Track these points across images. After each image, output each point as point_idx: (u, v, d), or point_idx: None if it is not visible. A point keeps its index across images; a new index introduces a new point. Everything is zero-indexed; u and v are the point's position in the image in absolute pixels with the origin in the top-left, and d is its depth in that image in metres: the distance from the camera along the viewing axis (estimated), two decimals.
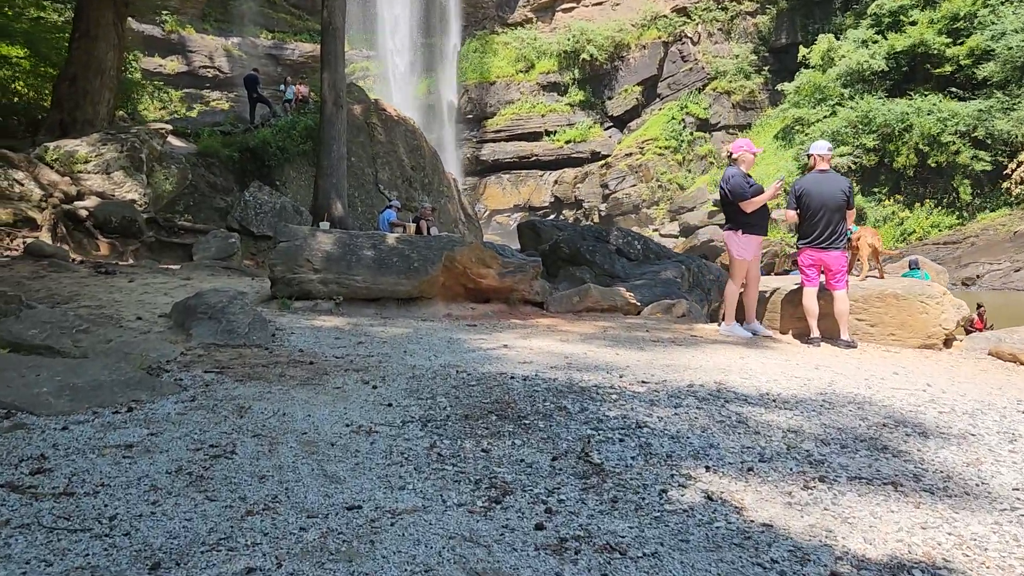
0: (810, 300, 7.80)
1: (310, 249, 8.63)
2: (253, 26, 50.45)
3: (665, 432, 4.39)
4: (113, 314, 7.49)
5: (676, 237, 43.97)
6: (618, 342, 7.44)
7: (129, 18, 45.59)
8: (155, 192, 15.83)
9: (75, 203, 12.75)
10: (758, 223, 8.23)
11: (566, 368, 6.02)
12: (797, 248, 8.19)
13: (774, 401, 5.25)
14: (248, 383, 5.20)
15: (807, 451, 4.19)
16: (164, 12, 46.68)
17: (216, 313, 6.73)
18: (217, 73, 48.08)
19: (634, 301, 10.27)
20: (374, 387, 5.17)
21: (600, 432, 4.33)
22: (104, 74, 16.79)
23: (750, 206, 8.11)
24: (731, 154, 8.58)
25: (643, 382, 5.61)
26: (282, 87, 25.65)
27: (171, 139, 20.80)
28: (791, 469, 3.88)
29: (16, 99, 19.09)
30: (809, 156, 8.33)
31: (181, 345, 6.25)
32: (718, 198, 9.18)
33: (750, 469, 3.86)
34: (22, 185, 12.26)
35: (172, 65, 47.06)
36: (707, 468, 3.85)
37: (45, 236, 11.57)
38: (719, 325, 8.55)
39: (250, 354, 6.10)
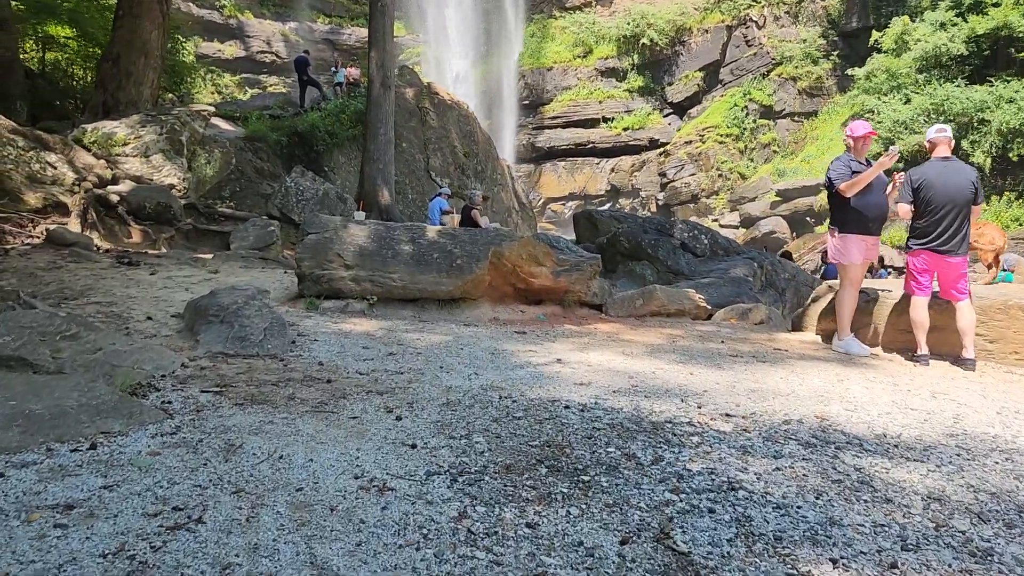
0: (920, 311, 6.60)
1: (341, 243, 7.73)
2: (310, 11, 50.08)
3: (768, 498, 3.33)
4: (122, 312, 6.69)
5: (736, 228, 42.27)
6: (691, 356, 6.36)
7: (189, 2, 45.75)
8: (196, 177, 15.18)
9: (108, 188, 12.10)
10: (858, 219, 7.01)
11: (631, 393, 4.99)
12: (908, 248, 6.95)
13: (896, 447, 4.15)
14: (249, 408, 4.29)
15: (963, 533, 3.10)
16: None
17: (229, 316, 5.86)
18: (275, 58, 47.83)
19: (704, 304, 9.15)
20: (398, 418, 4.22)
21: (683, 497, 3.29)
22: (148, 54, 16.18)
23: (850, 189, 6.88)
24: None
25: (727, 415, 4.55)
26: (334, 70, 24.92)
27: (218, 122, 20.22)
28: (950, 567, 2.80)
29: (74, 82, 18.67)
30: (929, 142, 7.04)
31: (185, 354, 5.39)
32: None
33: (893, 565, 2.79)
34: (55, 168, 11.64)
35: (230, 50, 46.94)
36: (833, 562, 2.79)
37: (74, 222, 10.93)
38: (835, 340, 7.20)
39: (260, 367, 5.20)
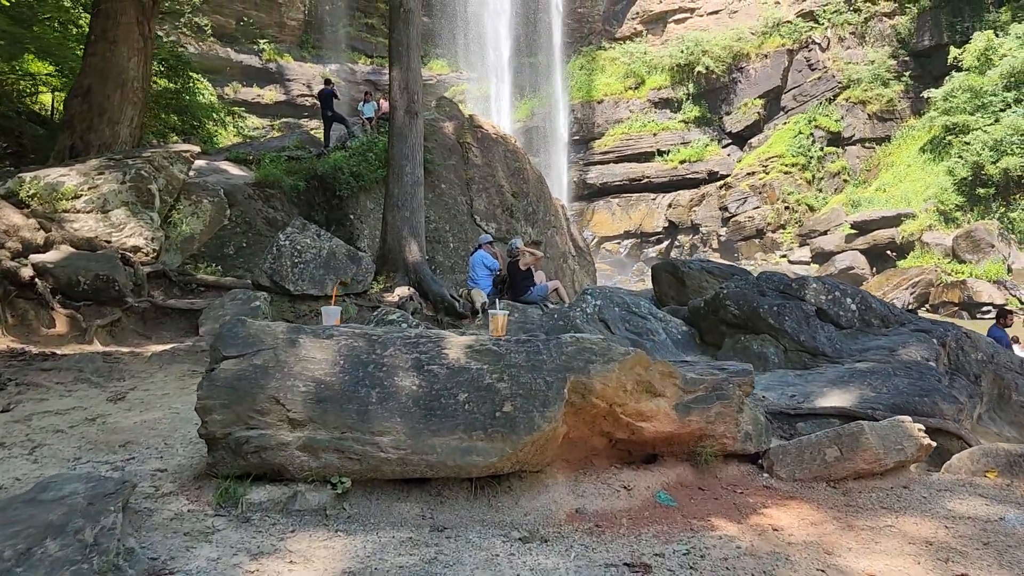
0: None
1: (284, 375, 3.91)
2: (351, 52, 47.30)
3: None
4: None
5: (808, 264, 37.74)
6: None
7: (228, 47, 43.40)
8: (178, 234, 11.70)
9: (31, 257, 8.58)
10: None
11: None
12: None
13: None
14: None
15: None
16: (262, 40, 43.99)
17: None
18: (315, 101, 44.98)
19: (927, 442, 5.08)
20: None
21: None
22: (126, 86, 12.82)
23: None
24: None
25: None
26: (362, 104, 21.48)
27: (227, 167, 16.83)
28: None
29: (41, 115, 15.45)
30: None
31: None
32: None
33: None
34: None
35: (270, 95, 44.26)
36: None
37: None
38: None
39: None
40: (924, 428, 7.43)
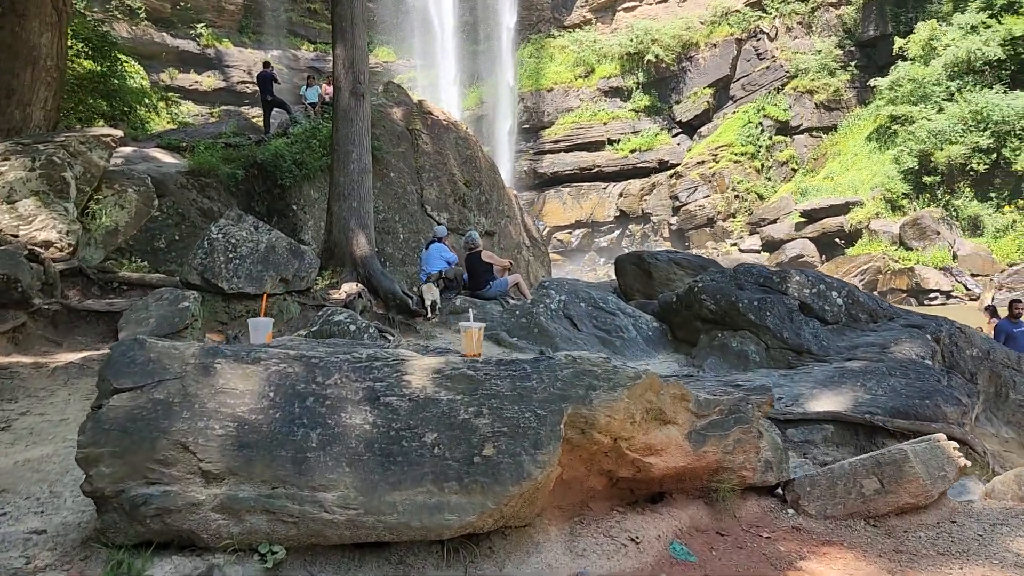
0: None
1: (194, 413, 2.95)
2: (293, 37, 45.46)
3: None
4: None
5: (758, 252, 37.58)
6: None
7: (162, 31, 41.29)
8: (96, 227, 10.47)
9: None
10: None
11: None
12: None
13: None
14: None
15: None
16: (199, 25, 41.92)
17: None
18: (257, 88, 43.15)
19: (964, 462, 4.36)
20: None
21: None
22: (37, 64, 11.47)
23: None
24: None
25: None
26: (304, 88, 20.21)
27: (157, 154, 15.52)
28: None
29: None
30: None
31: None
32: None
33: None
34: None
35: (209, 81, 42.23)
36: None
37: None
38: None
39: None
40: (928, 433, 6.79)
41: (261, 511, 2.88)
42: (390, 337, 9.04)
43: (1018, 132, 33.18)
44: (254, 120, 30.96)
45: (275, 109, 19.22)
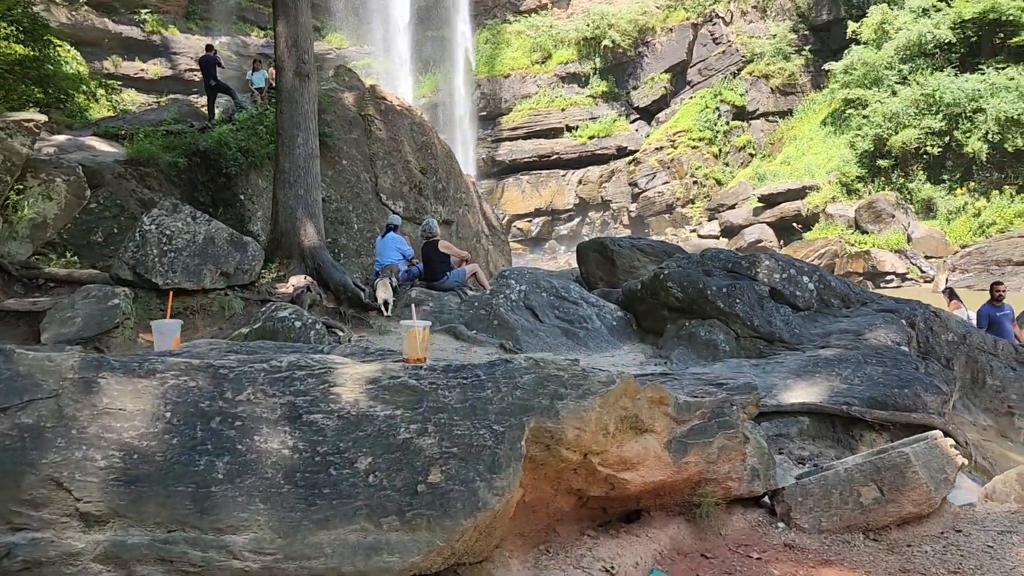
0: None
1: (72, 440, 2.40)
2: (242, 23, 44.06)
3: None
4: None
5: (718, 238, 37.51)
6: None
7: (104, 16, 39.64)
8: (19, 220, 9.69)
9: None
10: None
11: None
12: None
13: None
14: None
15: None
16: (143, 10, 40.34)
17: None
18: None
19: (962, 460, 3.96)
20: None
21: None
22: None
23: None
24: None
25: None
26: (250, 73, 19.36)
27: (93, 142, 14.67)
28: None
29: None
30: None
31: None
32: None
33: None
34: None
35: (155, 69, 40.71)
36: None
37: None
38: None
39: None
40: (908, 424, 6.45)
41: (155, 560, 2.33)
42: (340, 333, 8.47)
43: (968, 115, 33.49)
44: (200, 108, 29.97)
45: (219, 95, 18.35)
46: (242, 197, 15.32)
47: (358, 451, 2.48)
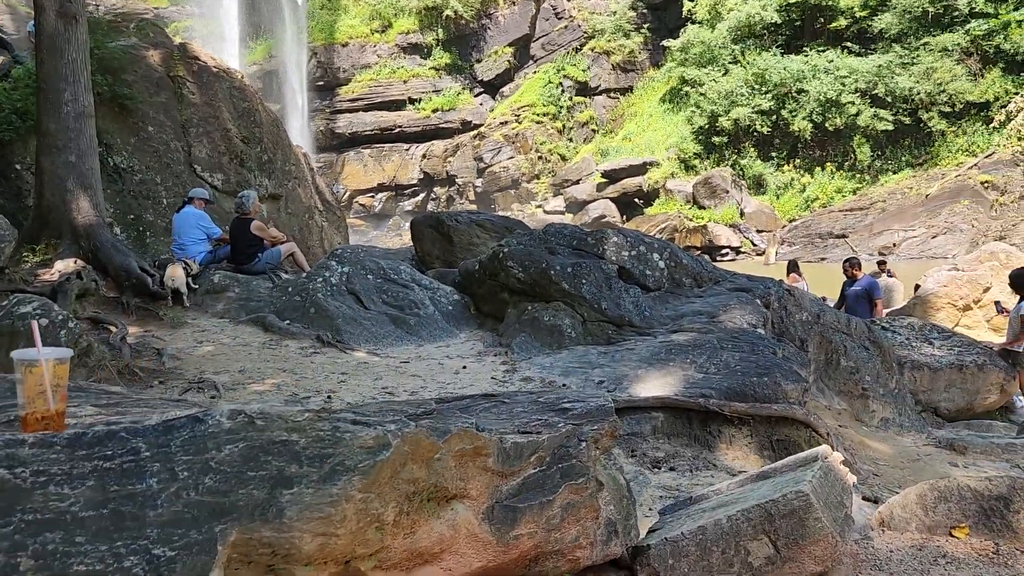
0: None
1: None
2: None
3: None
4: None
5: (563, 214, 37.37)
6: None
7: None
8: None
9: None
10: None
11: None
12: None
13: None
14: None
15: None
16: None
17: None
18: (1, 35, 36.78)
19: (853, 479, 3.17)
20: None
21: None
22: None
23: None
24: None
25: None
26: (31, 24, 16.59)
27: None
28: None
29: None
30: None
31: None
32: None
33: None
34: None
35: None
36: None
37: None
38: None
39: None
40: (768, 417, 5.78)
41: None
42: (113, 330, 6.88)
43: (794, 95, 35.00)
44: None
45: None
46: (18, 167, 12.95)
47: None
